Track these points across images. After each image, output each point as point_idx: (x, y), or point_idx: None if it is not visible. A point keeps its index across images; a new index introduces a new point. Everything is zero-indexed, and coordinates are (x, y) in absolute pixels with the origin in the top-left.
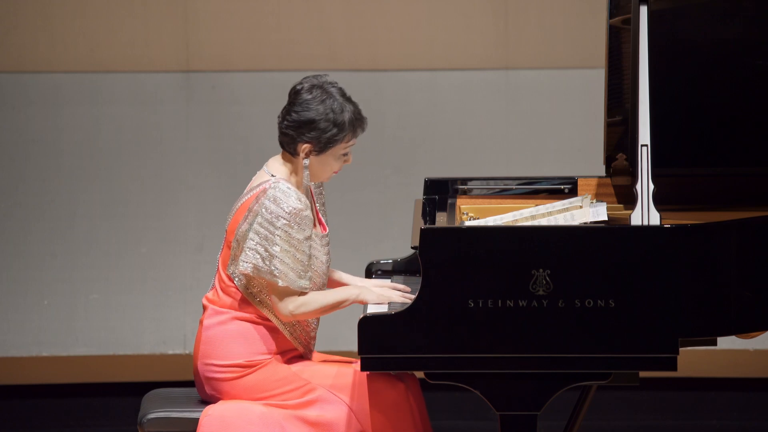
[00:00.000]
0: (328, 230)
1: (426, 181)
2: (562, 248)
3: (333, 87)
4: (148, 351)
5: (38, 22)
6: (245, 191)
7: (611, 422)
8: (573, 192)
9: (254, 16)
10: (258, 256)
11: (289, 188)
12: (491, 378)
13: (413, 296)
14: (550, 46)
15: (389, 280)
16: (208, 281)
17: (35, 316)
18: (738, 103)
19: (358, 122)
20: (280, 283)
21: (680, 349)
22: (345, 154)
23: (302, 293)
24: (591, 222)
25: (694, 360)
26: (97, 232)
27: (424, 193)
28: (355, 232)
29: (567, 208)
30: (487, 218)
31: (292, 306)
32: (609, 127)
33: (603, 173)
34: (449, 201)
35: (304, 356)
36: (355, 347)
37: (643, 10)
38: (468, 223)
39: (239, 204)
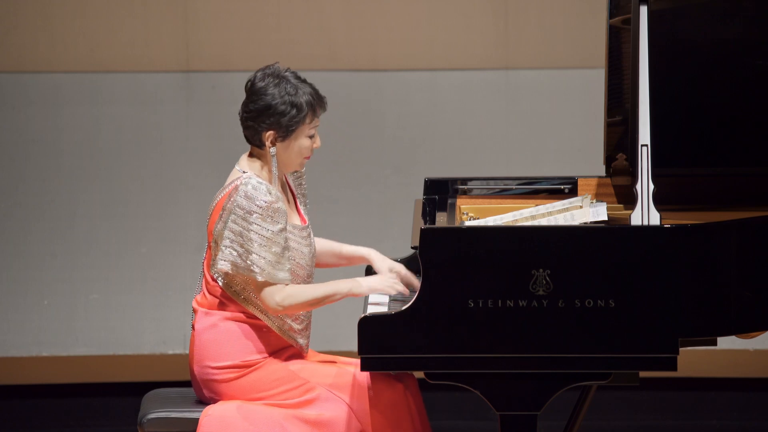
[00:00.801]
0: (308, 222)
1: (426, 181)
2: (562, 248)
3: (286, 72)
4: (148, 351)
5: (38, 22)
6: (219, 191)
7: (611, 422)
8: (573, 192)
9: (254, 16)
10: (235, 253)
11: (260, 182)
12: (491, 378)
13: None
14: (550, 46)
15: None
16: None
17: (35, 316)
18: (738, 103)
19: (317, 102)
20: (259, 278)
21: (680, 349)
22: (311, 137)
23: (286, 285)
24: (591, 222)
25: (694, 360)
26: (97, 232)
27: (424, 193)
28: (355, 231)
29: (567, 208)
30: (487, 218)
31: (278, 297)
32: (609, 127)
33: (603, 173)
34: (449, 201)
35: (300, 353)
36: (355, 347)
37: (643, 10)
38: (468, 223)
39: (214, 204)
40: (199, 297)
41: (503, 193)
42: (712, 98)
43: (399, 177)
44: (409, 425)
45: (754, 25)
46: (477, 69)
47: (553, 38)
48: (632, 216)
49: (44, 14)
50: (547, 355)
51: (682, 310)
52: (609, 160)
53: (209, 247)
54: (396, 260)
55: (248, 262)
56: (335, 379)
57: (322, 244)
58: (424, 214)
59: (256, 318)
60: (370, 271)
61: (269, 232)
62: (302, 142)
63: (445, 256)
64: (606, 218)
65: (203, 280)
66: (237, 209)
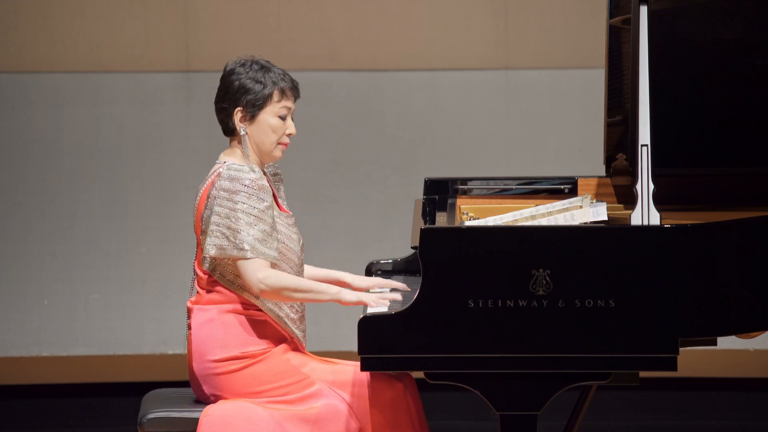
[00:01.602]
0: (292, 213)
1: (426, 181)
2: (562, 248)
3: (254, 60)
4: (148, 351)
5: (38, 22)
6: (201, 184)
7: (611, 422)
8: (573, 192)
9: (254, 16)
10: (222, 236)
11: (241, 165)
12: (491, 378)
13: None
14: (550, 46)
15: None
16: None
17: (35, 316)
18: (738, 103)
19: (285, 83)
20: (249, 255)
21: (680, 349)
22: (282, 118)
23: (273, 265)
24: (591, 222)
25: (694, 360)
26: (97, 232)
27: (424, 193)
28: (355, 231)
29: (567, 208)
30: (487, 218)
31: (261, 275)
32: (609, 127)
33: (603, 173)
34: (449, 201)
35: (298, 348)
36: (355, 347)
37: (643, 10)
38: (468, 223)
39: (198, 197)
40: (192, 298)
41: (503, 193)
42: (712, 98)
43: (399, 177)
44: (408, 425)
45: (754, 25)
46: (477, 69)
47: (553, 38)
48: (632, 216)
49: (44, 14)
50: (547, 355)
51: (682, 310)
52: (609, 160)
53: (199, 243)
54: (396, 260)
55: (236, 241)
56: (335, 377)
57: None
58: (424, 214)
59: (253, 309)
60: (370, 272)
61: (255, 209)
62: (271, 120)
63: (445, 256)
64: (606, 218)
65: (195, 279)
66: (222, 192)
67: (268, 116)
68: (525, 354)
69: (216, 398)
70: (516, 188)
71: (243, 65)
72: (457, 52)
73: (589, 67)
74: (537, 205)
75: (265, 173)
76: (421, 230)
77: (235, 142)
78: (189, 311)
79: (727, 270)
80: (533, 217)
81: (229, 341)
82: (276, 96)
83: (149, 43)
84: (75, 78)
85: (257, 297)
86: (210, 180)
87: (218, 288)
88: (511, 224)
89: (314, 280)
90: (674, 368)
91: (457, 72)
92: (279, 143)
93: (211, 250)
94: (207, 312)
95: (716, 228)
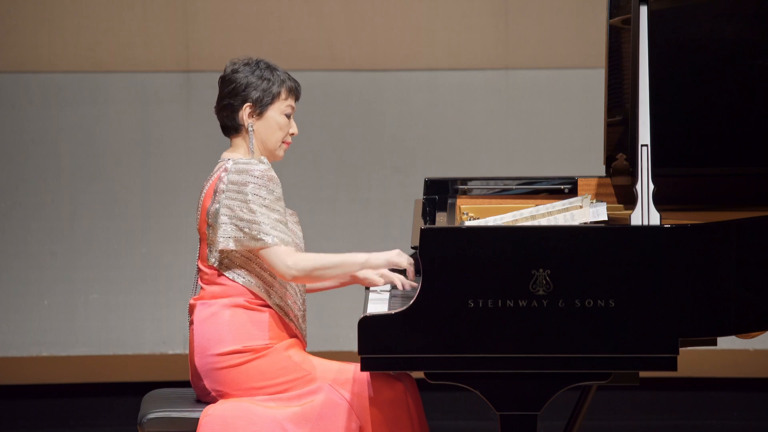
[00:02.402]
0: (295, 212)
1: (426, 181)
2: (562, 248)
3: (258, 59)
4: (148, 351)
5: (38, 22)
6: (205, 182)
7: (611, 422)
8: (573, 192)
9: (254, 16)
10: (235, 228)
11: (249, 159)
12: (491, 378)
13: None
14: (550, 46)
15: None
16: None
17: (35, 316)
18: (738, 103)
19: (290, 81)
20: (269, 240)
21: (680, 349)
22: (288, 117)
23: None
24: (591, 222)
25: (694, 360)
26: (97, 232)
27: (424, 193)
28: (355, 231)
29: (567, 208)
30: (487, 218)
31: (290, 261)
32: (609, 127)
33: (603, 173)
34: (449, 201)
35: (299, 345)
36: (355, 347)
37: (643, 10)
38: (468, 223)
39: (203, 194)
40: (196, 295)
41: (503, 193)
42: (712, 98)
43: (399, 177)
44: (408, 424)
45: (754, 25)
46: (477, 69)
47: (553, 38)
48: (632, 216)
49: (44, 14)
50: (547, 355)
51: (682, 310)
52: (609, 160)
53: (202, 240)
54: None
55: (253, 232)
56: (336, 375)
57: None
58: (424, 214)
59: (257, 304)
60: None
61: (267, 200)
62: (278, 117)
63: (445, 256)
64: (606, 218)
65: (198, 277)
66: (231, 185)
67: (276, 113)
68: (525, 354)
69: (217, 393)
70: (516, 188)
71: (248, 64)
72: (457, 52)
73: (589, 67)
74: (537, 205)
75: None
76: (421, 230)
77: (238, 140)
78: (191, 308)
79: (727, 270)
80: (533, 217)
81: (231, 335)
82: (284, 93)
83: (149, 43)
84: (75, 78)
85: (265, 291)
86: (216, 176)
87: (224, 281)
88: (511, 224)
89: None
90: (674, 368)
91: (457, 72)
92: (282, 142)
93: (225, 243)
94: (210, 307)
95: (716, 228)
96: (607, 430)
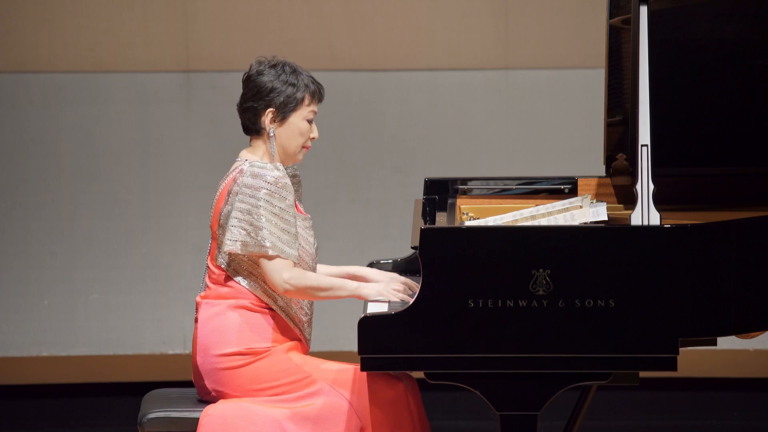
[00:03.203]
0: (309, 216)
1: (426, 181)
2: (562, 248)
3: (284, 62)
4: (148, 351)
5: (38, 22)
6: (221, 180)
7: (611, 422)
8: (573, 192)
9: (254, 16)
10: (244, 232)
11: (264, 163)
12: (491, 378)
13: (411, 297)
14: (550, 46)
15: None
16: None
17: (35, 316)
18: (738, 103)
19: (314, 85)
20: (271, 252)
21: (680, 349)
22: (310, 122)
23: (294, 264)
24: (591, 222)
25: (694, 360)
26: (97, 232)
27: (424, 193)
28: (355, 231)
29: (567, 208)
30: (487, 218)
31: (287, 275)
32: (609, 127)
33: (603, 173)
34: (449, 201)
35: (301, 348)
36: (355, 347)
37: (643, 10)
38: (468, 223)
39: (218, 193)
40: (202, 293)
41: (503, 193)
42: (712, 98)
43: (399, 177)
44: (408, 424)
45: (754, 25)
46: (477, 69)
47: (553, 38)
48: (632, 216)
49: (44, 14)
50: (547, 355)
51: (682, 310)
52: (609, 160)
53: (213, 239)
54: (396, 260)
55: (258, 238)
56: (337, 375)
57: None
58: (424, 214)
59: (262, 307)
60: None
61: (278, 208)
62: (300, 124)
63: (445, 256)
64: (606, 218)
65: (207, 274)
66: (244, 189)
67: (298, 119)
68: (525, 354)
69: (218, 393)
70: (516, 188)
71: (274, 66)
72: (457, 52)
73: (589, 67)
74: (537, 205)
75: None
76: (421, 230)
77: (258, 142)
78: (197, 306)
79: (727, 270)
80: (533, 217)
81: (234, 337)
82: (307, 99)
83: (149, 43)
84: (75, 78)
85: (271, 296)
86: (231, 176)
87: (231, 283)
88: (511, 224)
89: (338, 276)
90: (674, 368)
91: (457, 72)
92: (303, 146)
93: (233, 246)
94: (215, 307)
95: (716, 228)
96: (607, 430)
